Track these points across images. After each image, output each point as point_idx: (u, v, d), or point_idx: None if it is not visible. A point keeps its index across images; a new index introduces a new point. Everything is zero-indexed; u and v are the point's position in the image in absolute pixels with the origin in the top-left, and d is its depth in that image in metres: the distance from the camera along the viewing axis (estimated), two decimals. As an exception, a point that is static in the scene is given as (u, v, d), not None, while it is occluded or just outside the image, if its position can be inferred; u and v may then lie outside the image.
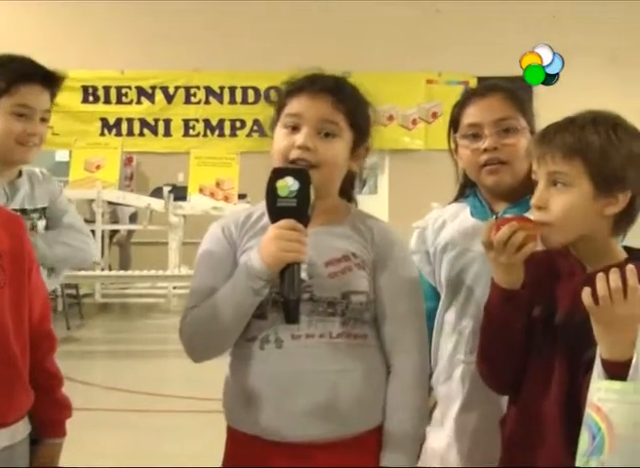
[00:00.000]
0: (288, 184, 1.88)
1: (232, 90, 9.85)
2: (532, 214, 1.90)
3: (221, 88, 9.84)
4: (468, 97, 2.32)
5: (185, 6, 9.26)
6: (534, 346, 1.90)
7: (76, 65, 8.98)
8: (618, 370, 1.64)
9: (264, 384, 1.96)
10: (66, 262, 2.71)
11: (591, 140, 1.80)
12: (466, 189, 2.41)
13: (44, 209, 2.73)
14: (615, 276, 1.63)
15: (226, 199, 8.47)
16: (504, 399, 2.11)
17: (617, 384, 1.64)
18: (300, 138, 1.97)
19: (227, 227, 2.06)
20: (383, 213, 8.82)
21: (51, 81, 2.61)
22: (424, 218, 2.46)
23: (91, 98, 9.74)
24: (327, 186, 2.01)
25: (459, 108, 2.31)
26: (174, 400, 5.24)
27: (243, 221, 2.06)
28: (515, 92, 2.37)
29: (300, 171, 1.91)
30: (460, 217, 2.37)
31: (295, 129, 2.00)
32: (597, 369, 1.67)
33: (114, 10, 9.29)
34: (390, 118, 9.77)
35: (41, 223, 2.70)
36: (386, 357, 2.04)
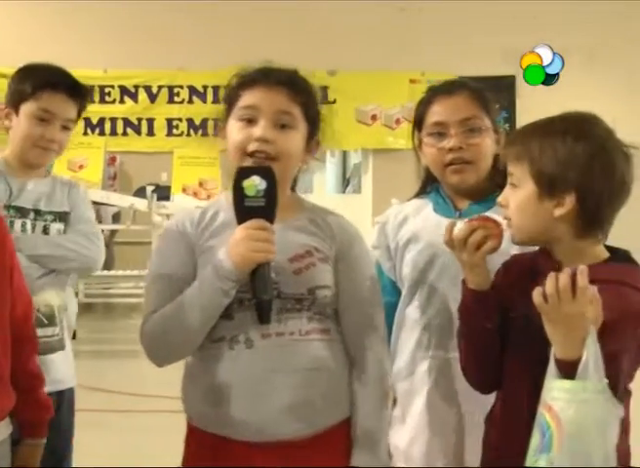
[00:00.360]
0: (255, 183, 1.88)
1: (216, 89, 9.80)
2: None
3: (205, 87, 9.82)
4: (434, 94, 2.33)
5: (169, 5, 9.24)
6: (514, 345, 1.91)
7: (58, 64, 8.95)
8: (570, 369, 1.65)
9: (236, 385, 1.95)
10: (60, 263, 2.66)
11: (534, 142, 1.83)
12: (428, 186, 2.42)
13: (63, 213, 2.74)
14: (564, 275, 1.65)
15: (209, 199, 8.40)
16: (475, 394, 2.13)
17: (567, 383, 1.65)
18: (258, 130, 1.97)
19: (183, 227, 2.03)
20: (367, 212, 8.83)
21: (76, 91, 2.69)
22: (385, 214, 2.46)
23: (74, 98, 9.70)
24: (284, 179, 2.00)
25: (424, 106, 2.32)
26: (157, 400, 5.23)
27: (198, 220, 2.04)
28: (481, 91, 2.39)
29: (265, 169, 1.90)
30: (422, 213, 2.38)
31: (250, 121, 1.99)
32: (551, 368, 1.69)
33: (97, 9, 9.26)
34: (374, 118, 9.79)
35: (55, 226, 2.71)
36: (348, 350, 2.05)
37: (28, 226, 2.67)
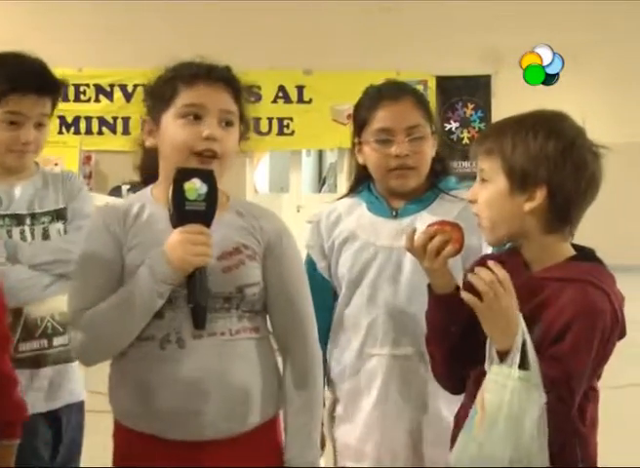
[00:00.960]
0: (196, 187, 1.87)
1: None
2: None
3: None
4: (380, 99, 2.35)
5: (144, 4, 9.19)
6: (480, 346, 1.92)
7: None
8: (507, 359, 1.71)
9: (167, 384, 1.94)
10: (65, 267, 2.47)
11: (506, 137, 1.86)
12: (360, 185, 2.45)
13: (59, 210, 2.58)
14: (484, 271, 1.74)
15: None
16: (429, 390, 2.15)
17: (496, 368, 1.73)
18: (207, 129, 1.96)
19: (110, 223, 2.01)
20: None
21: (46, 88, 2.54)
22: (316, 213, 2.48)
23: (48, 96, 9.64)
24: (221, 176, 2.00)
25: (367, 109, 2.35)
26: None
27: (123, 215, 2.02)
28: (423, 96, 2.44)
29: (206, 172, 1.89)
30: (355, 212, 2.41)
31: (196, 118, 1.99)
32: (488, 361, 1.75)
33: (71, 8, 9.20)
34: (350, 116, 9.77)
35: (55, 227, 2.55)
36: (279, 345, 2.06)
37: (27, 233, 2.51)
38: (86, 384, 2.67)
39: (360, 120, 2.38)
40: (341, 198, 2.49)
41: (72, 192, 2.63)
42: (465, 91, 9.30)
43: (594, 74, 9.36)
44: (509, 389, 1.70)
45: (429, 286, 1.95)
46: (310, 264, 2.38)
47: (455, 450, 1.79)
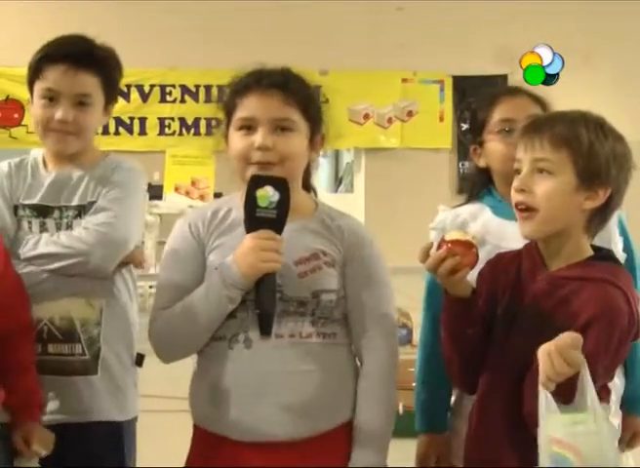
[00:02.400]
0: (268, 195, 1.89)
1: (208, 88, 9.79)
2: (515, 198, 1.91)
3: (197, 86, 9.80)
4: (496, 96, 2.39)
5: (161, 5, 9.22)
6: (495, 343, 1.92)
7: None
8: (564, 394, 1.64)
9: (233, 385, 1.96)
10: (49, 262, 2.26)
11: (580, 133, 1.85)
12: (479, 190, 2.42)
13: (85, 205, 2.34)
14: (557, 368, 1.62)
15: (202, 198, 8.44)
16: None
17: (576, 416, 1.64)
18: (258, 139, 1.97)
19: (194, 224, 2.05)
20: (360, 211, 8.83)
21: (85, 59, 2.32)
22: (437, 220, 2.45)
23: (65, 97, 9.68)
24: (291, 182, 2.00)
25: (486, 110, 2.36)
26: (153, 399, 5.22)
27: (210, 218, 2.05)
28: (539, 96, 2.43)
29: (279, 180, 1.91)
30: (480, 218, 2.38)
31: (250, 129, 2.00)
32: (544, 403, 1.66)
33: (87, 7, 9.24)
34: (366, 117, 9.78)
35: (78, 222, 2.32)
36: (357, 354, 2.05)
37: (50, 226, 2.32)
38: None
39: (479, 122, 2.38)
40: (462, 205, 2.47)
41: (109, 185, 2.36)
42: (482, 90, 9.28)
43: (607, 72, 9.34)
44: (603, 433, 1.64)
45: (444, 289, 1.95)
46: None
47: None
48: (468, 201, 2.44)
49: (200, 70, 9.43)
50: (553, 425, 1.65)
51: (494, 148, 2.33)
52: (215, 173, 8.47)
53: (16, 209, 2.35)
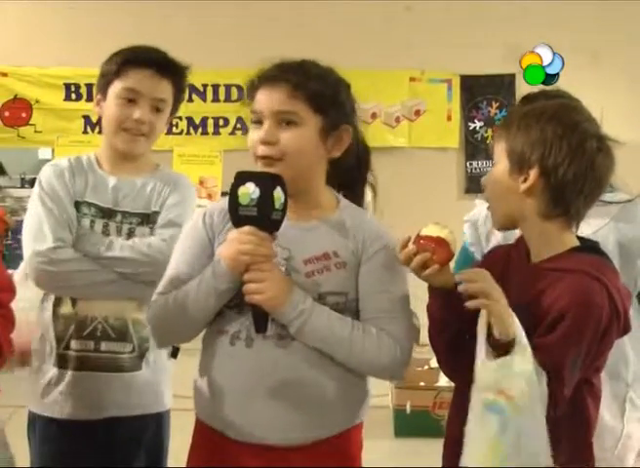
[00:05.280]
0: (249, 192, 1.87)
1: (215, 88, 9.79)
2: None
3: (205, 86, 9.79)
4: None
5: (169, 5, 9.22)
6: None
7: (58, 62, 8.93)
8: (507, 348, 1.75)
9: (230, 382, 1.96)
10: (124, 265, 2.41)
11: (513, 123, 1.90)
12: None
13: (150, 214, 2.49)
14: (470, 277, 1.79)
15: (210, 197, 8.44)
16: None
17: (517, 357, 1.73)
18: (260, 133, 1.97)
19: (210, 215, 2.06)
20: (367, 210, 8.81)
21: (166, 67, 2.50)
22: (473, 212, 2.49)
23: (73, 96, 9.66)
24: (302, 177, 1.99)
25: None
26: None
27: (226, 211, 2.06)
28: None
29: (263, 176, 1.89)
30: None
31: (259, 123, 2.00)
32: (482, 354, 1.76)
33: (96, 8, 9.24)
34: (374, 116, 9.75)
35: (141, 230, 2.47)
36: None
37: (112, 229, 2.44)
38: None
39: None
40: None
41: (172, 199, 2.51)
42: (490, 90, 9.27)
43: (616, 72, 9.30)
44: (536, 375, 1.70)
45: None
46: (469, 262, 2.35)
47: (475, 451, 1.77)
48: None
49: (207, 70, 9.40)
50: (484, 373, 1.73)
51: None
52: (222, 172, 8.47)
53: (77, 204, 2.46)
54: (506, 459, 1.67)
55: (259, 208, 1.86)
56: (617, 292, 1.82)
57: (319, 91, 2.03)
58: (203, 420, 2.03)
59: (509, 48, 8.83)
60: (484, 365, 1.73)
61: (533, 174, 1.88)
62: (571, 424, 1.85)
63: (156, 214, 2.47)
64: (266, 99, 1.98)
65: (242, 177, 1.88)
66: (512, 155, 1.90)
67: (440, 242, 1.86)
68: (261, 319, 1.89)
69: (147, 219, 2.46)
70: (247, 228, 1.87)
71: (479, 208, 2.51)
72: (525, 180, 1.90)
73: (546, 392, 1.73)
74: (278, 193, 1.86)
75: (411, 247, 1.88)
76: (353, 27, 9.50)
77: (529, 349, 1.71)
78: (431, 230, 1.89)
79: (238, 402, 1.94)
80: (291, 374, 1.93)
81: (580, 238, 1.96)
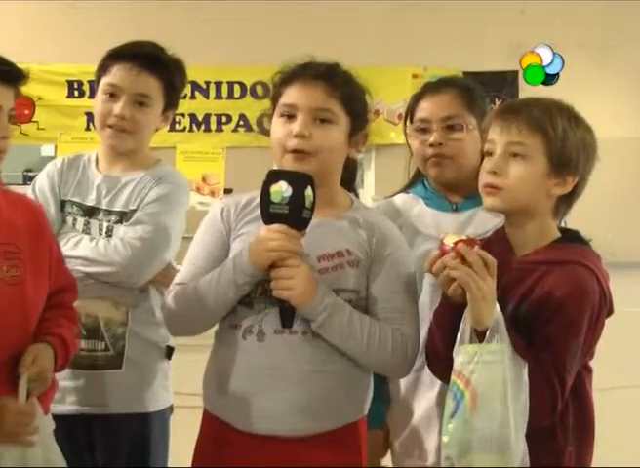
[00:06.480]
0: (281, 190, 1.88)
1: (218, 84, 9.84)
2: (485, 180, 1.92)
3: (207, 83, 9.83)
4: (423, 91, 2.38)
5: (171, 3, 9.24)
6: None
7: (61, 59, 8.96)
8: (482, 338, 1.74)
9: (241, 375, 1.97)
10: (85, 265, 2.32)
11: (555, 119, 1.87)
12: (417, 181, 2.45)
13: (127, 212, 2.40)
14: (475, 257, 1.77)
15: (212, 194, 8.46)
16: None
17: (472, 347, 1.74)
18: (295, 127, 1.97)
19: (227, 209, 2.07)
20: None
21: (150, 62, 2.41)
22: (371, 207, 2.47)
23: (76, 93, 9.70)
24: (325, 174, 2.00)
25: (414, 101, 2.38)
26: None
27: (243, 205, 2.06)
28: (470, 89, 2.42)
29: (295, 175, 1.90)
30: (415, 209, 2.39)
31: (290, 117, 2.00)
32: (461, 338, 1.76)
33: (95, 7, 9.26)
34: (377, 113, 9.77)
35: (119, 228, 2.38)
36: None
37: (94, 227, 2.39)
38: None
39: (408, 112, 2.42)
40: (395, 194, 2.48)
41: (150, 196, 2.41)
42: (492, 87, 9.26)
43: (622, 70, 9.30)
44: (505, 366, 1.71)
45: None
46: None
47: (445, 436, 1.78)
48: (404, 190, 2.47)
49: (210, 67, 9.45)
50: (458, 356, 1.74)
51: (411, 144, 2.36)
52: (225, 168, 8.48)
53: (63, 204, 2.42)
54: (460, 443, 1.71)
55: (290, 206, 1.86)
56: (602, 276, 1.84)
57: (352, 93, 2.05)
58: (211, 412, 2.05)
59: (512, 45, 8.84)
60: (458, 348, 1.75)
61: (571, 180, 1.86)
62: (575, 408, 1.86)
63: (134, 211, 2.40)
64: (303, 95, 1.98)
65: (274, 176, 1.89)
66: (556, 158, 1.83)
67: (470, 241, 1.86)
68: (289, 314, 1.90)
69: (125, 217, 2.39)
70: (277, 226, 1.88)
71: (377, 203, 2.48)
72: (559, 185, 1.86)
73: (526, 383, 1.74)
74: (309, 192, 1.87)
75: (451, 255, 1.84)
76: (356, 24, 9.52)
77: (506, 340, 1.71)
78: (453, 238, 1.88)
79: (248, 394, 1.96)
80: (300, 368, 1.95)
81: (559, 228, 1.96)
